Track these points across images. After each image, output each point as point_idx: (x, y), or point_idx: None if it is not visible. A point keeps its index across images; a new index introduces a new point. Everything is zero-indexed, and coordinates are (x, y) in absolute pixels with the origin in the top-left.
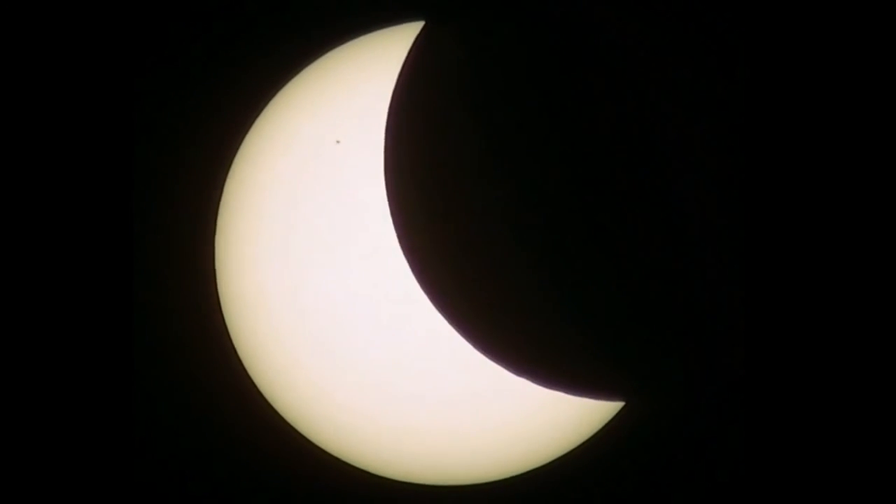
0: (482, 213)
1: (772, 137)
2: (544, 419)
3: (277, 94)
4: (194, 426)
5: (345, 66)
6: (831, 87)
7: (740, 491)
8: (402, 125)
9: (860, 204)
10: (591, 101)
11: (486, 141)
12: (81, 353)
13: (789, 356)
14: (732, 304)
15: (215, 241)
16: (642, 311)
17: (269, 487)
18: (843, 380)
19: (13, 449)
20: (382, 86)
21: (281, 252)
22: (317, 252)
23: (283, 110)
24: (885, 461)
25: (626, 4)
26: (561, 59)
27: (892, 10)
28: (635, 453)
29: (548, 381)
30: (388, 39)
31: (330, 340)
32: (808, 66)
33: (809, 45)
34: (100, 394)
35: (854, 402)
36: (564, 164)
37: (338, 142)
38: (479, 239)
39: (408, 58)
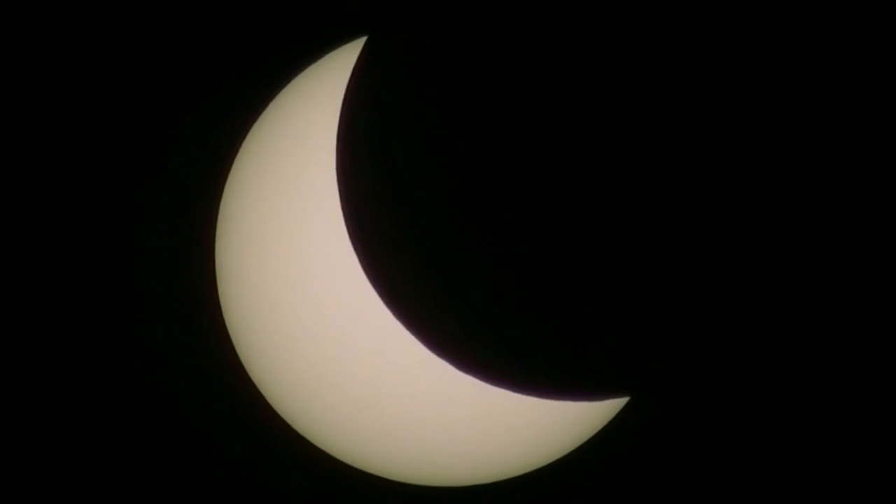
0: (446, 227)
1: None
2: (547, 418)
3: (278, 94)
4: (193, 426)
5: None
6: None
7: (754, 485)
8: (350, 147)
9: (861, 203)
10: (539, 105)
11: (437, 155)
12: (81, 352)
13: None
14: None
15: (215, 240)
16: (639, 298)
17: (269, 487)
18: (851, 369)
19: (12, 449)
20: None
21: (281, 251)
22: (318, 250)
23: (283, 111)
24: (888, 457)
25: (575, 19)
26: (508, 68)
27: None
28: (642, 450)
29: (551, 392)
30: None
31: (330, 340)
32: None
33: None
34: (99, 394)
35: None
36: (534, 161)
37: None
38: (447, 254)
39: (352, 74)
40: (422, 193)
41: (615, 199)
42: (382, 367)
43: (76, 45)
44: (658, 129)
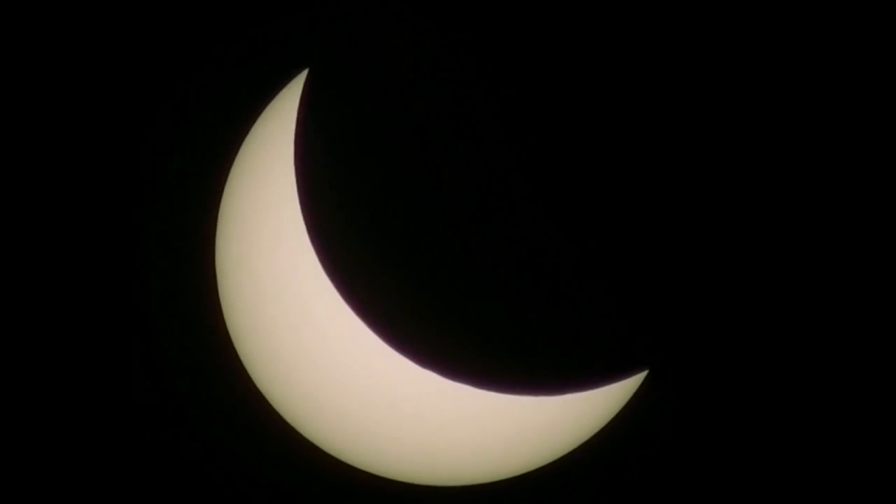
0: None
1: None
2: (555, 410)
3: (281, 90)
4: (193, 426)
5: None
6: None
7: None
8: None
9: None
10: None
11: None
12: (80, 352)
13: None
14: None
15: (216, 240)
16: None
17: (269, 487)
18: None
19: (11, 449)
20: None
21: (280, 250)
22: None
23: (284, 109)
24: None
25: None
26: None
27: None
28: (664, 429)
29: (561, 386)
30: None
31: (330, 339)
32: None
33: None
34: (99, 394)
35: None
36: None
37: None
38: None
39: (299, 107)
40: (386, 199)
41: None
42: (382, 367)
43: (75, 45)
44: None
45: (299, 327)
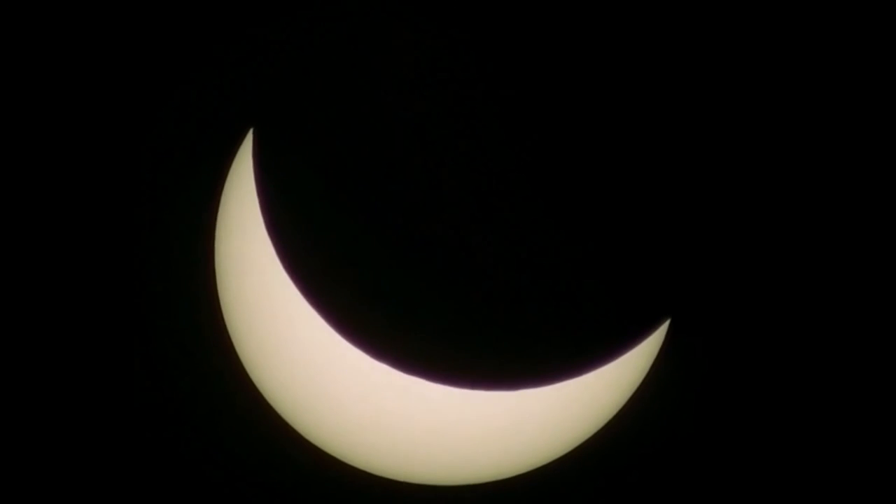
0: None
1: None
2: (558, 406)
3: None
4: (193, 426)
5: None
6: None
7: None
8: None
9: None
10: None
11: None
12: (80, 352)
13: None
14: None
15: (215, 240)
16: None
17: (269, 487)
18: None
19: (11, 449)
20: None
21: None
22: None
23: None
24: None
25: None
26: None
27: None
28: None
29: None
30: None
31: (330, 338)
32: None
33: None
34: (99, 394)
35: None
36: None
37: None
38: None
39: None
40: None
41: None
42: (382, 366)
43: (77, 44)
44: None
45: (297, 327)
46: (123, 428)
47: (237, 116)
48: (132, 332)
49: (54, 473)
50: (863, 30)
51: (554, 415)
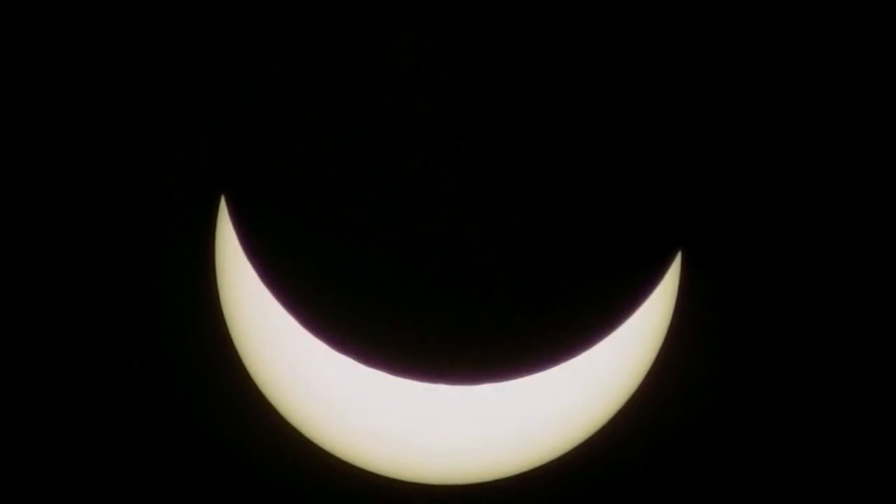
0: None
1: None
2: (560, 404)
3: None
4: (193, 426)
5: None
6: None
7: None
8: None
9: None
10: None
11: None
12: (80, 353)
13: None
14: None
15: (216, 241)
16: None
17: (269, 487)
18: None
19: (12, 449)
20: None
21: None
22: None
23: None
24: None
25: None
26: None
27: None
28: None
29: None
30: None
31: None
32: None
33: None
34: (99, 394)
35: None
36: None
37: None
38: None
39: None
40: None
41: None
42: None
43: (79, 46)
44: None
45: (297, 328)
46: (123, 428)
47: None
48: (132, 331)
49: (55, 473)
50: None
51: (564, 403)
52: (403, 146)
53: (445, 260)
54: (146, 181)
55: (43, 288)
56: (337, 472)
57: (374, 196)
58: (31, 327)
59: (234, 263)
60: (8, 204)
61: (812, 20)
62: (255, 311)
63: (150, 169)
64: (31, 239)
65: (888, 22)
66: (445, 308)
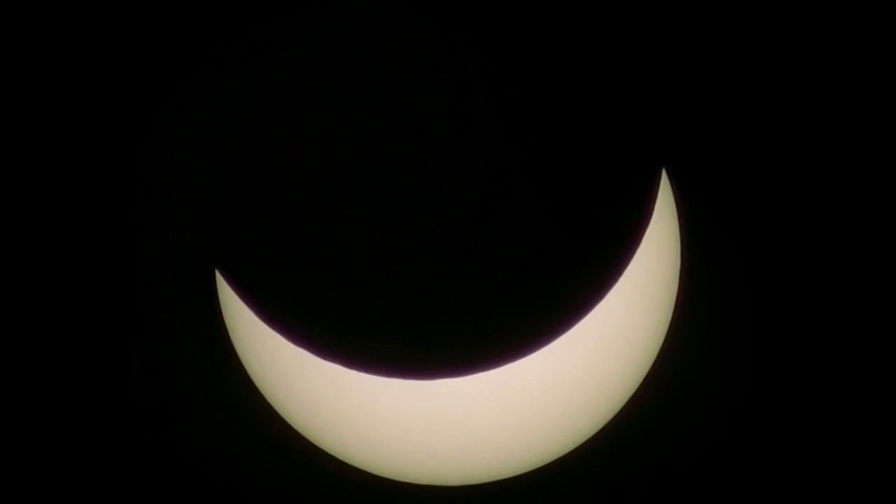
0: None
1: None
2: (562, 406)
3: None
4: (193, 426)
5: None
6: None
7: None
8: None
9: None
10: None
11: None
12: (80, 353)
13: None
14: None
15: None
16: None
17: (269, 487)
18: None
19: (12, 449)
20: None
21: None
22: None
23: None
24: None
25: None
26: None
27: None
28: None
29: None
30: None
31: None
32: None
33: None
34: (99, 394)
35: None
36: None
37: None
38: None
39: None
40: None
41: None
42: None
43: (82, 48)
44: None
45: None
46: (124, 428)
47: None
48: (133, 332)
49: (55, 473)
50: None
51: (558, 415)
52: (361, 142)
53: (426, 248)
54: (148, 179)
55: (43, 289)
56: (336, 471)
57: (343, 193)
58: (31, 327)
59: None
60: (8, 204)
61: None
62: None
63: (149, 169)
64: (31, 239)
65: None
66: (433, 297)
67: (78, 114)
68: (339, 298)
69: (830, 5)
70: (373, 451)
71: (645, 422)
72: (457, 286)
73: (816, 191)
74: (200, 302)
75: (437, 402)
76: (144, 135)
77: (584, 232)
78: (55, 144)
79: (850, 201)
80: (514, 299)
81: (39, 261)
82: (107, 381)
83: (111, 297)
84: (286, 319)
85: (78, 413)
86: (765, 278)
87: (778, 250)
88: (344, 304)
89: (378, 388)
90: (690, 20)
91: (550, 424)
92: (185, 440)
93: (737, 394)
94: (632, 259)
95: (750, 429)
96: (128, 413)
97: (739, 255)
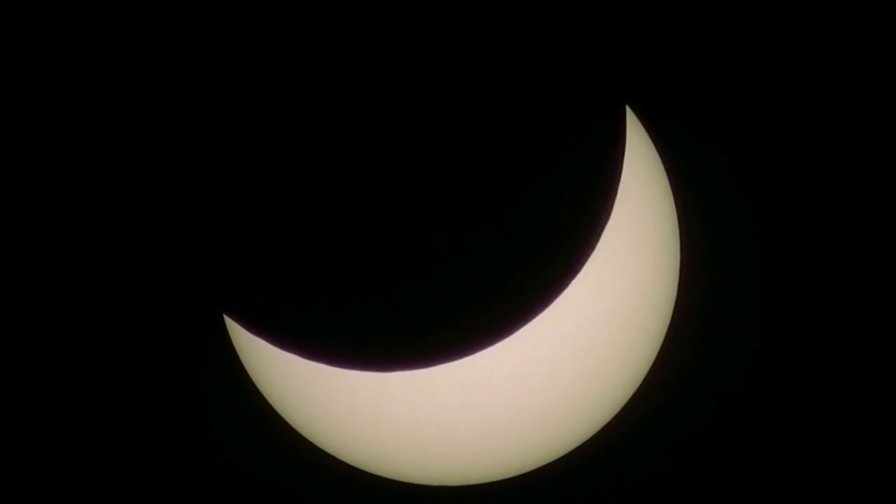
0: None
1: None
2: (562, 408)
3: None
4: (193, 426)
5: None
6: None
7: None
8: None
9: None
10: None
11: None
12: (81, 353)
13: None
14: None
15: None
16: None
17: (269, 487)
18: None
19: (12, 449)
20: None
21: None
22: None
23: None
24: None
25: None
26: None
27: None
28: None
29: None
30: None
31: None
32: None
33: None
34: (99, 394)
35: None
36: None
37: None
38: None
39: None
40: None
41: None
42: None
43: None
44: None
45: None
46: (125, 428)
47: None
48: (133, 333)
49: (55, 473)
50: None
51: (558, 416)
52: (310, 139)
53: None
54: (149, 179)
55: (42, 290)
56: (336, 472)
57: (307, 194)
58: (32, 330)
59: None
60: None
61: None
62: None
63: (152, 169)
64: (31, 241)
65: None
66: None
67: (78, 113)
68: (324, 308)
69: None
70: (373, 452)
71: (645, 422)
72: (437, 265)
73: (823, 193)
74: (202, 302)
75: (437, 402)
76: (145, 137)
77: (561, 192)
78: (59, 142)
79: (835, 146)
80: (500, 272)
81: (38, 254)
82: (107, 381)
83: (113, 298)
84: (275, 336)
85: (78, 413)
86: (765, 279)
87: (778, 251)
88: (326, 309)
89: (378, 388)
90: None
91: (550, 424)
92: (187, 441)
93: (737, 395)
94: (610, 212)
95: (750, 428)
96: (128, 413)
97: (739, 248)
